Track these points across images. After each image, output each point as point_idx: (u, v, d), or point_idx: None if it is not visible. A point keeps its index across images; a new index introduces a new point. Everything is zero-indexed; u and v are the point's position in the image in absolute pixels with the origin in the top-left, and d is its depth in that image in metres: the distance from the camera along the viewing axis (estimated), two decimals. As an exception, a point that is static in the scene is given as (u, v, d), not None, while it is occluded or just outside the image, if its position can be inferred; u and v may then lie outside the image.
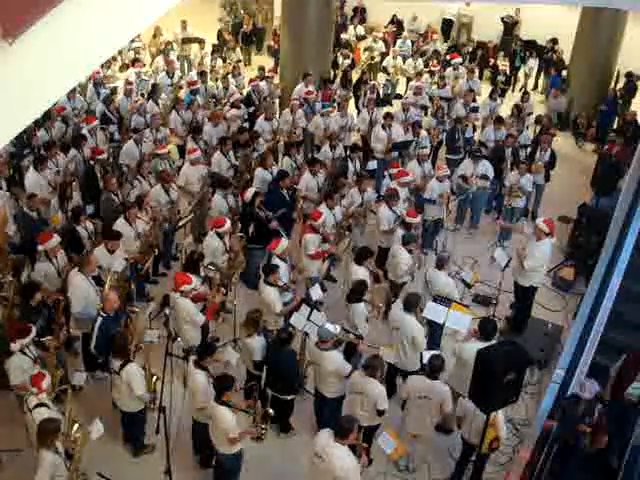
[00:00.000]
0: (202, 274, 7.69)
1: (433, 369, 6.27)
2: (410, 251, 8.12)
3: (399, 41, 17.19)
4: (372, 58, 16.32)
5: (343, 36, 17.54)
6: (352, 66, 15.88)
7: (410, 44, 17.18)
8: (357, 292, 7.30)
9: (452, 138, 11.59)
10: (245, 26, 17.87)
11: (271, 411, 6.19)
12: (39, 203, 8.43)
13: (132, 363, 6.27)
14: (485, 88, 14.39)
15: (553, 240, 8.23)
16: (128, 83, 12.60)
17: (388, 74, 15.94)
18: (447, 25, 19.00)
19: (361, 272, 7.72)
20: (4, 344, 6.34)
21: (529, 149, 11.23)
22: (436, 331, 7.53)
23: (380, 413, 6.27)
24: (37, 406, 5.76)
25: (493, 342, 6.34)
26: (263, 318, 6.99)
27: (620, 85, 14.98)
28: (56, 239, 7.51)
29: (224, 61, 15.50)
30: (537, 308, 8.81)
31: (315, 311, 6.98)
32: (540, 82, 17.07)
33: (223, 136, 10.61)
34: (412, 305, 7.01)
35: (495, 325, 6.81)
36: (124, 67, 14.60)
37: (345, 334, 7.14)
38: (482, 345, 5.92)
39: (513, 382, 5.37)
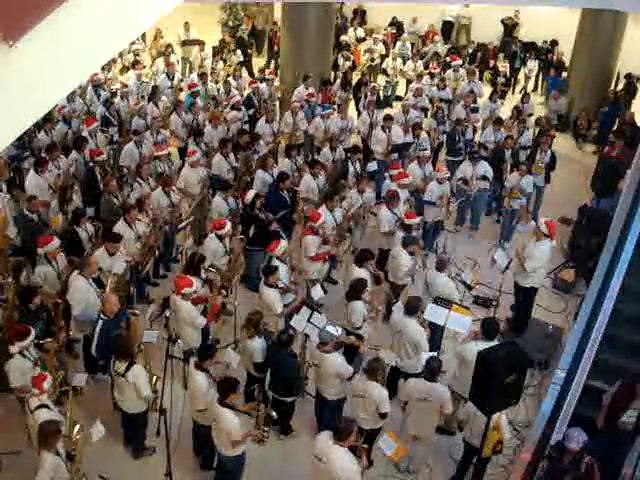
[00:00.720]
0: (203, 276, 7.69)
1: (431, 371, 6.27)
2: (411, 253, 8.11)
3: (399, 43, 17.22)
4: (372, 60, 16.31)
5: (343, 38, 17.55)
6: (352, 68, 15.88)
7: (410, 46, 17.21)
8: (356, 290, 7.29)
9: (452, 140, 11.58)
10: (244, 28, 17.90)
11: (274, 414, 6.19)
12: (39, 205, 8.42)
13: (137, 364, 6.28)
14: (486, 90, 14.39)
15: (552, 242, 8.23)
16: (124, 86, 12.61)
17: (388, 76, 15.95)
18: (447, 27, 19.02)
19: (361, 274, 7.71)
20: (4, 346, 6.34)
21: (529, 150, 11.24)
22: (436, 333, 7.52)
23: (382, 416, 6.26)
24: (38, 407, 5.76)
25: (495, 343, 6.33)
26: (263, 320, 6.98)
27: (620, 86, 14.99)
28: (56, 242, 7.50)
29: (225, 63, 15.51)
30: (537, 309, 8.81)
31: (316, 313, 6.97)
32: (540, 83, 17.08)
33: (223, 138, 10.61)
34: (414, 309, 7.00)
35: (497, 325, 6.81)
36: (124, 69, 14.60)
37: (346, 336, 7.13)
38: (485, 345, 5.92)
39: (514, 384, 5.36)
